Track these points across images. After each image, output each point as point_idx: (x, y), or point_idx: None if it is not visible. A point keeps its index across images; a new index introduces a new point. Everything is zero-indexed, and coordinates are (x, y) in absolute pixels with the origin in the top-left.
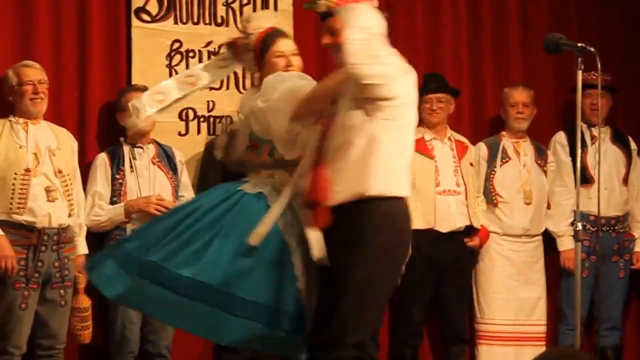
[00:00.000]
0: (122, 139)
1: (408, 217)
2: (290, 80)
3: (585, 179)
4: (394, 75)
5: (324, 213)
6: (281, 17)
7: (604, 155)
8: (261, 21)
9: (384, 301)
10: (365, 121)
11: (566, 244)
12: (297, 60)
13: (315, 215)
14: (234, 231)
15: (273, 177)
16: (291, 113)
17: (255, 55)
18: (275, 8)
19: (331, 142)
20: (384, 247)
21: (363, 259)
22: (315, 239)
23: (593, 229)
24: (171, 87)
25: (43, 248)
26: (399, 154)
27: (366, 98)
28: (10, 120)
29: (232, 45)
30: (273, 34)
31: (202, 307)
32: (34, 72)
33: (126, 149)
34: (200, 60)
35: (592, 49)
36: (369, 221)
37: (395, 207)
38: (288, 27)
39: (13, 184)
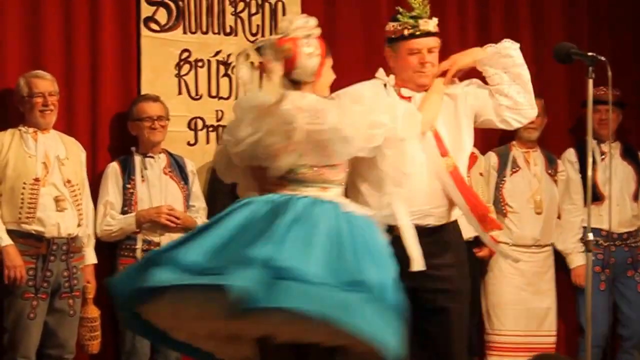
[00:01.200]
0: (133, 148)
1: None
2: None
3: (595, 196)
4: None
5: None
6: None
7: (614, 171)
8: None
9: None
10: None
11: (576, 260)
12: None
13: (489, 223)
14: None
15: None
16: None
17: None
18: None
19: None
20: None
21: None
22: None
23: (605, 244)
24: None
25: (52, 258)
26: None
27: None
28: (19, 130)
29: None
30: None
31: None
32: (45, 84)
33: (137, 158)
34: (209, 70)
35: (603, 58)
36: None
37: None
38: None
39: (22, 194)
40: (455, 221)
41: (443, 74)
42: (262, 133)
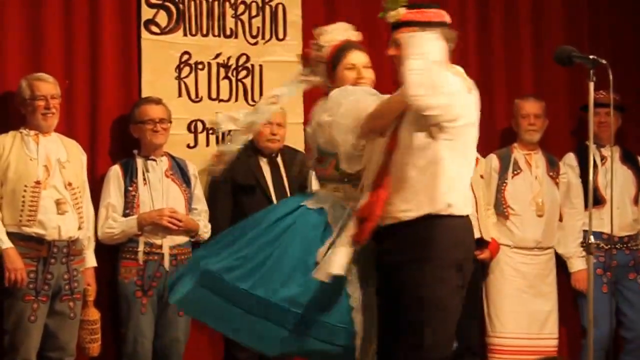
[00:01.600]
0: (135, 151)
1: (472, 235)
2: (355, 95)
3: (596, 200)
4: (454, 100)
5: (367, 230)
6: (290, 29)
7: (615, 175)
8: (334, 34)
9: (456, 316)
10: (429, 142)
11: (576, 265)
12: (369, 73)
13: (360, 230)
14: (291, 248)
15: (338, 191)
16: (356, 128)
17: (327, 67)
18: (285, 20)
19: (395, 161)
20: (453, 264)
21: (433, 276)
22: (342, 255)
23: (606, 247)
24: (257, 109)
25: (53, 260)
26: (461, 173)
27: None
28: (21, 132)
29: (305, 57)
30: (345, 47)
31: (260, 321)
32: (47, 87)
33: (139, 161)
34: (209, 72)
35: (604, 61)
36: (440, 238)
37: (461, 224)
38: (297, 39)
39: (23, 196)
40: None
41: None
42: None
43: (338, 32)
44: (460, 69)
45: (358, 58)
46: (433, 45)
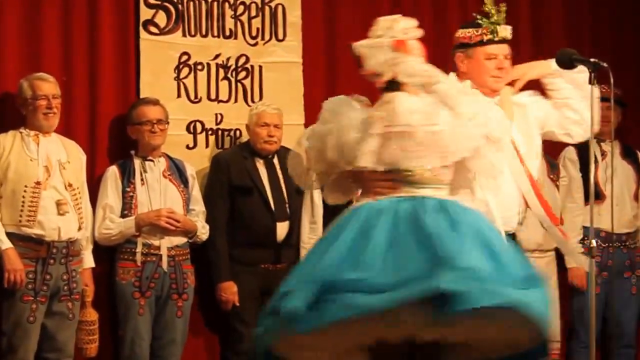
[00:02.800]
0: (132, 152)
1: None
2: None
3: (596, 195)
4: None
5: None
6: (289, 30)
7: (615, 171)
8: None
9: None
10: None
11: (574, 261)
12: None
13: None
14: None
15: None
16: None
17: None
18: (284, 20)
19: None
20: None
21: None
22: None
23: (604, 245)
24: None
25: (52, 261)
26: None
27: None
28: (21, 132)
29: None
30: None
31: None
32: (49, 86)
33: (137, 162)
34: (208, 73)
35: (605, 65)
36: None
37: None
38: (297, 40)
39: (23, 197)
40: None
41: (511, 83)
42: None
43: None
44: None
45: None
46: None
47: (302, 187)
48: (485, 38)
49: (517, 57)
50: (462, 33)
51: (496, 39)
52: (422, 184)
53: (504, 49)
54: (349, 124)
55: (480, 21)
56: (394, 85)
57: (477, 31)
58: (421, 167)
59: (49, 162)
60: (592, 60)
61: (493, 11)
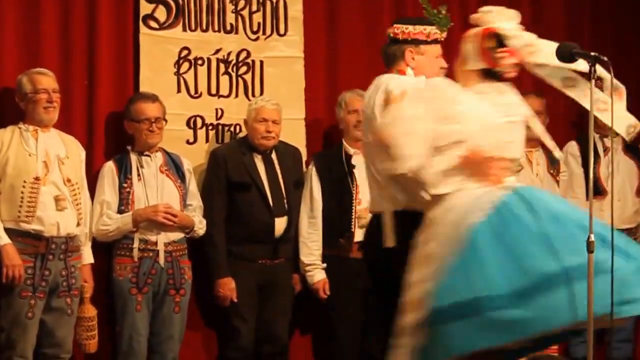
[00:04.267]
0: (129, 147)
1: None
2: None
3: (597, 190)
4: None
5: None
6: (291, 24)
7: (617, 166)
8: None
9: None
10: None
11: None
12: None
13: None
14: None
15: None
16: None
17: None
18: (286, 15)
19: None
20: None
21: None
22: None
23: None
24: None
25: (50, 257)
26: None
27: None
28: (19, 128)
29: None
30: None
31: None
32: (48, 81)
33: (134, 157)
34: (208, 68)
35: (606, 59)
36: None
37: None
38: (298, 34)
39: (22, 192)
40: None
41: None
42: None
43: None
44: None
45: None
46: None
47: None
48: (440, 37)
49: None
50: (417, 29)
51: (441, 39)
52: (513, 173)
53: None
54: (491, 110)
55: (435, 19)
56: (495, 74)
57: (434, 30)
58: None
59: (47, 157)
60: (592, 54)
61: (443, 12)
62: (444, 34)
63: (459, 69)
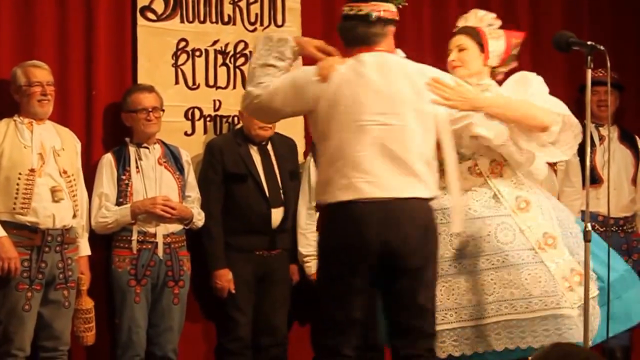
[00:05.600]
0: (127, 139)
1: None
2: None
3: (593, 179)
4: None
5: None
6: (288, 15)
7: (613, 155)
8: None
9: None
10: None
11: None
12: None
13: None
14: None
15: None
16: None
17: None
18: (283, 6)
19: None
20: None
21: None
22: None
23: (602, 229)
24: None
25: (47, 249)
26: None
27: None
28: (14, 120)
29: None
30: None
31: None
32: (43, 73)
33: (132, 149)
34: (206, 59)
35: (602, 48)
36: None
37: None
38: (296, 25)
39: (17, 184)
40: None
41: None
42: None
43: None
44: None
45: None
46: None
47: None
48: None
49: None
50: (389, 7)
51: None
52: None
53: None
54: None
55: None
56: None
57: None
58: None
59: (43, 149)
60: (589, 43)
61: None
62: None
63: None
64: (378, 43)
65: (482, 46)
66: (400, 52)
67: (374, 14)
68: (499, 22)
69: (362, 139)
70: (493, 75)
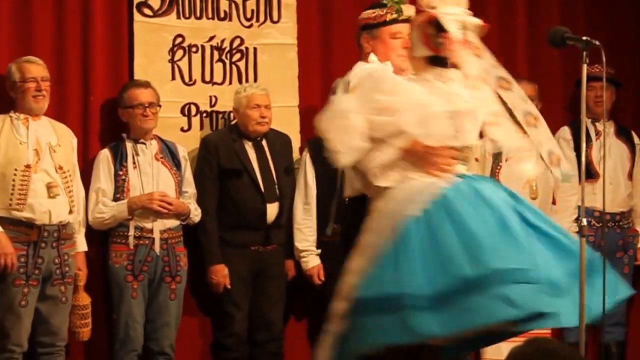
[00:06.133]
0: (124, 135)
1: None
2: None
3: (590, 174)
4: None
5: None
6: (284, 11)
7: (609, 149)
8: None
9: None
10: None
11: None
12: None
13: None
14: None
15: None
16: None
17: None
18: (279, 2)
19: None
20: None
21: None
22: None
23: (598, 225)
24: None
25: (43, 245)
26: None
27: None
28: (10, 116)
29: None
30: None
31: None
32: (37, 69)
33: (129, 145)
34: (202, 55)
35: (597, 43)
36: None
37: None
38: (292, 21)
39: (13, 180)
40: None
41: None
42: None
43: None
44: None
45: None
46: None
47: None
48: (389, 17)
49: (513, 36)
50: (367, 14)
51: (401, 17)
52: (466, 161)
53: (408, 27)
54: (430, 99)
55: (385, 1)
56: (441, 61)
57: (382, 11)
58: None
59: (38, 145)
60: (584, 38)
61: None
62: (400, 14)
63: (410, 56)
64: (362, 51)
65: None
66: (372, 57)
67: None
68: None
69: None
70: None
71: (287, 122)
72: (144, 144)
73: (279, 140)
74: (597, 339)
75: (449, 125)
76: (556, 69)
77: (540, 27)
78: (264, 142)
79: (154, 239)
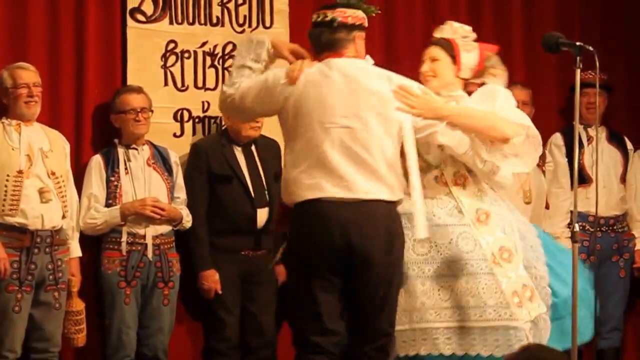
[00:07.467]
0: (116, 140)
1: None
2: None
3: (582, 179)
4: None
5: None
6: (277, 17)
7: (601, 154)
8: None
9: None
10: None
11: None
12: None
13: None
14: None
15: None
16: None
17: None
18: (272, 8)
19: None
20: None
21: None
22: None
23: (592, 230)
24: None
25: (36, 250)
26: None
27: None
28: (2, 122)
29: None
30: None
31: None
32: (29, 75)
33: (121, 150)
34: (195, 61)
35: (591, 48)
36: None
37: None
38: (284, 27)
39: (5, 186)
40: None
41: None
42: None
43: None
44: None
45: None
46: None
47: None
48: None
49: (508, 42)
50: (361, 15)
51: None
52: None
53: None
54: None
55: (361, 6)
56: None
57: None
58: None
59: (30, 150)
60: (577, 43)
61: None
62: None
63: (455, 74)
64: (344, 48)
65: (454, 58)
66: (369, 59)
67: (338, 20)
68: (473, 35)
69: (326, 140)
70: (466, 87)
71: (276, 128)
72: (136, 149)
73: (268, 147)
74: (592, 346)
75: None
76: (551, 75)
77: (535, 35)
78: (253, 148)
79: (146, 244)
